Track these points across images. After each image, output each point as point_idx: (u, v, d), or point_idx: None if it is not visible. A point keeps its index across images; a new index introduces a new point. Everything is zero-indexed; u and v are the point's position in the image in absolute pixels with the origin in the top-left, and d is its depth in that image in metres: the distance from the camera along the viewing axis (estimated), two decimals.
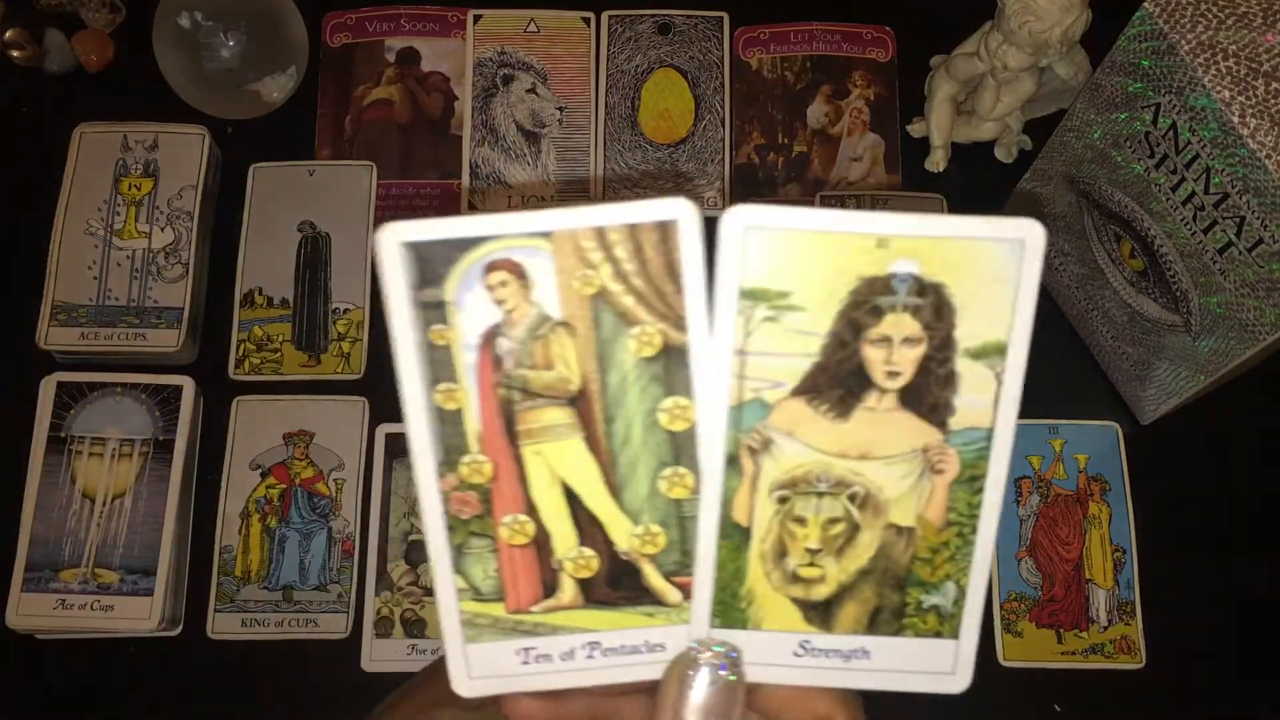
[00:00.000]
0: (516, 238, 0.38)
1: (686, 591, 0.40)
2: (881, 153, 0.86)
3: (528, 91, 0.86)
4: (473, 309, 0.38)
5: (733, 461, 0.39)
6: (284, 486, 0.77)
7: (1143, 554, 0.76)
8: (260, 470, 0.77)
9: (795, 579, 0.40)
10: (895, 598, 0.40)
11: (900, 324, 0.38)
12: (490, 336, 0.39)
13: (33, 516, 0.74)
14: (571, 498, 0.40)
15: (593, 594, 0.40)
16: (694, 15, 0.88)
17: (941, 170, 0.85)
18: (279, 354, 0.80)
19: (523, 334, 0.39)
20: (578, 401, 0.39)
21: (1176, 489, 0.79)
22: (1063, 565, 0.76)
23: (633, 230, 0.38)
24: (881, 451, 0.39)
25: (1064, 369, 0.82)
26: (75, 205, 0.80)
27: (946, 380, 0.38)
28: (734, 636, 0.40)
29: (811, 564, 0.40)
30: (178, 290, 0.79)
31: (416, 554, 0.76)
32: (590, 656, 0.40)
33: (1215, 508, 0.79)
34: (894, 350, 0.38)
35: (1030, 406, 0.79)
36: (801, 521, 0.40)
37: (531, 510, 0.40)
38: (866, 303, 0.38)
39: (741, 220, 0.37)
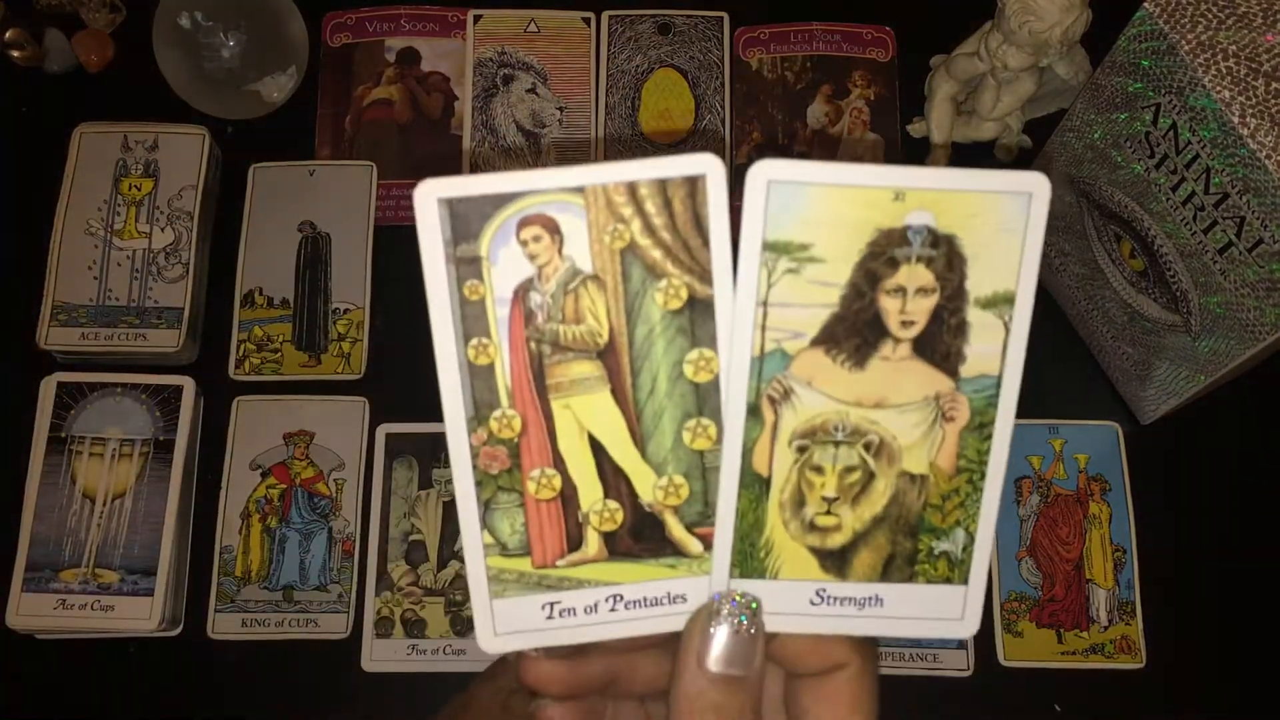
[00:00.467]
0: (551, 193, 0.38)
1: (708, 542, 0.41)
2: (881, 153, 0.86)
3: (528, 91, 0.86)
4: (506, 264, 0.39)
5: (754, 411, 0.40)
6: (284, 486, 0.77)
7: (1143, 554, 0.76)
8: (260, 470, 0.77)
9: (812, 528, 0.41)
10: (908, 545, 0.41)
11: (915, 275, 0.39)
12: (522, 291, 0.39)
13: (33, 516, 0.74)
14: (598, 450, 0.41)
15: (616, 546, 0.41)
16: (694, 15, 0.88)
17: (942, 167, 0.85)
18: (279, 354, 0.80)
19: (554, 288, 0.39)
20: (606, 354, 0.40)
21: (1177, 489, 0.79)
22: (1063, 565, 0.76)
23: (662, 185, 0.39)
24: (896, 400, 0.40)
25: (1064, 369, 0.82)
26: (75, 205, 0.80)
27: (958, 329, 0.40)
28: (753, 586, 0.41)
29: (828, 512, 0.41)
30: (178, 290, 0.79)
31: (417, 554, 0.76)
32: (613, 609, 0.41)
33: (1215, 508, 0.79)
34: (909, 300, 0.39)
35: (1030, 407, 0.79)
36: (819, 470, 0.40)
37: (559, 464, 0.41)
38: (883, 254, 0.39)
39: (766, 174, 0.38)
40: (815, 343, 0.40)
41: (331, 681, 0.74)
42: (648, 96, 0.87)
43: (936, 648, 0.74)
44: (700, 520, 0.41)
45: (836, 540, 0.41)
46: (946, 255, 0.39)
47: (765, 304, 0.39)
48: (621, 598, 0.41)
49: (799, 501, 0.41)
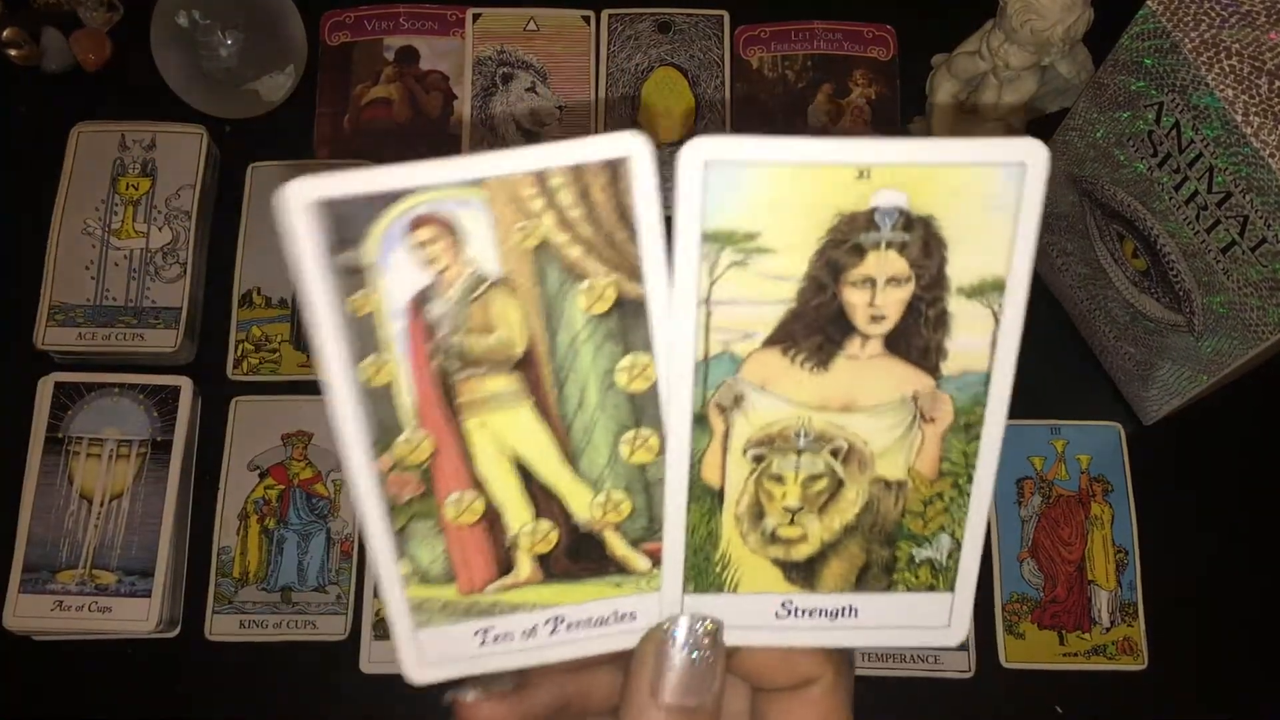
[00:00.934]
0: (444, 188, 0.34)
1: (656, 558, 0.37)
2: None
3: (527, 90, 0.86)
4: (398, 271, 0.34)
5: (700, 420, 0.36)
6: (282, 487, 0.77)
7: (1145, 555, 0.76)
8: (258, 471, 0.77)
9: (774, 539, 0.37)
10: (884, 553, 0.37)
11: (885, 263, 0.35)
12: (420, 301, 0.35)
13: (30, 517, 0.73)
14: (522, 470, 0.37)
15: (553, 568, 0.37)
16: (694, 14, 0.88)
17: None
18: (277, 354, 0.80)
19: (457, 296, 0.35)
20: (523, 366, 0.36)
21: (1179, 490, 0.78)
22: (1065, 566, 0.76)
23: (578, 172, 0.34)
24: (866, 401, 0.36)
25: (1066, 369, 0.82)
26: (73, 205, 0.80)
27: (937, 321, 0.35)
28: (710, 601, 0.37)
29: (792, 523, 0.37)
30: (176, 290, 0.79)
31: None
32: (554, 632, 0.37)
33: (1218, 508, 0.78)
34: (878, 292, 0.35)
35: (1032, 407, 0.80)
36: (779, 480, 0.37)
37: (479, 486, 0.37)
38: (846, 241, 0.34)
39: (701, 154, 0.33)
40: (769, 343, 0.35)
41: (330, 683, 0.74)
42: (648, 95, 0.86)
43: (937, 649, 0.74)
44: (646, 536, 0.37)
45: (803, 551, 0.37)
46: (922, 239, 0.34)
47: (708, 302, 0.35)
48: (563, 619, 0.37)
49: (758, 513, 0.37)
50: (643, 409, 0.36)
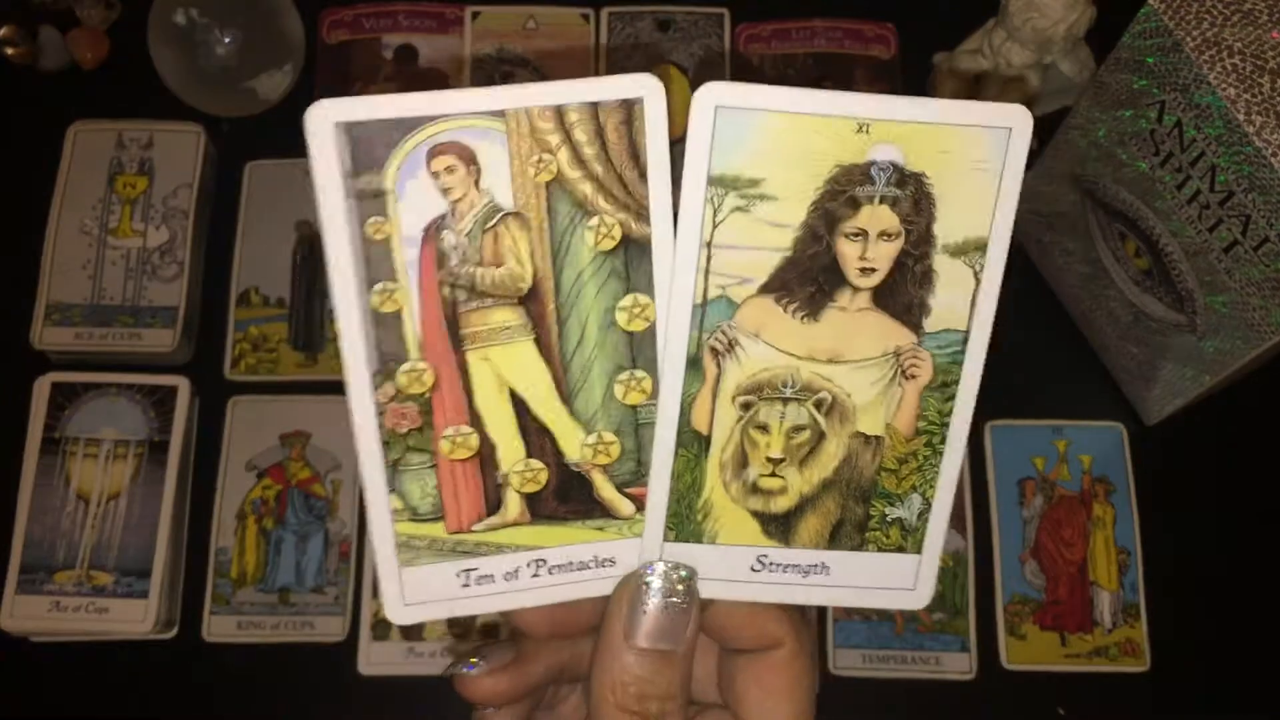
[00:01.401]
0: (466, 118, 0.35)
1: (640, 503, 0.38)
2: None
3: None
4: (415, 199, 0.35)
5: (694, 364, 0.37)
6: (280, 488, 0.76)
7: (1148, 556, 0.76)
8: (256, 471, 0.77)
9: (755, 490, 0.38)
10: (858, 510, 0.39)
11: (877, 217, 0.36)
12: (434, 229, 0.35)
13: (27, 518, 0.73)
14: (519, 406, 0.37)
15: (539, 509, 0.38)
16: (694, 12, 0.87)
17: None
18: (275, 354, 0.79)
19: (470, 226, 0.36)
20: (529, 301, 0.36)
21: (1182, 490, 0.78)
22: (1067, 567, 0.76)
23: (594, 110, 0.35)
24: (852, 354, 0.37)
25: (1068, 369, 0.81)
26: (70, 204, 0.80)
27: (923, 278, 0.37)
28: (689, 551, 0.38)
29: (773, 474, 0.38)
30: (173, 290, 0.79)
31: None
32: (536, 575, 0.38)
33: (1221, 509, 0.78)
34: (869, 245, 0.36)
35: (1034, 407, 0.80)
36: (764, 429, 0.38)
37: (475, 421, 0.37)
38: (843, 192, 0.36)
39: (713, 98, 0.35)
40: (764, 290, 0.37)
41: (328, 684, 0.74)
42: None
43: (939, 650, 0.73)
44: (632, 480, 0.38)
45: (781, 504, 0.38)
46: (913, 195, 0.36)
47: (710, 245, 0.36)
48: (544, 562, 0.38)
49: (741, 462, 0.38)
50: (639, 350, 0.37)
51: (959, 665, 0.74)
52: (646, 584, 0.37)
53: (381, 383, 0.36)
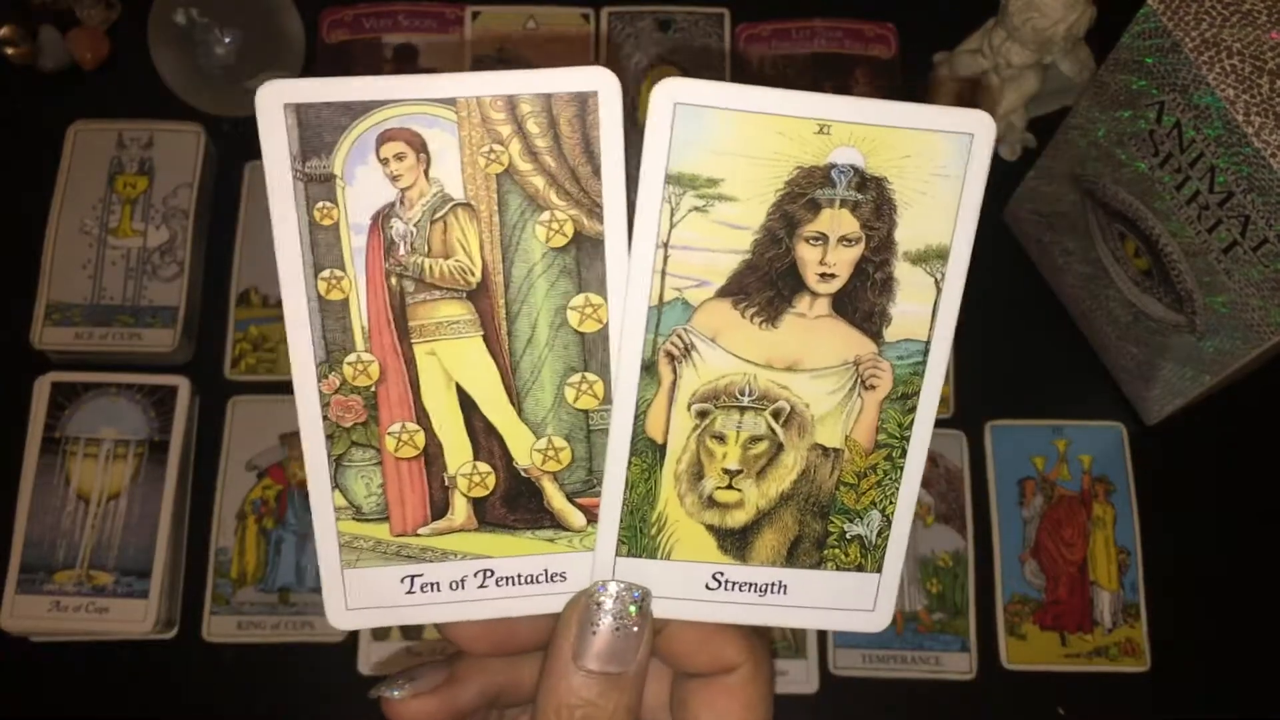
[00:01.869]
0: (416, 104, 0.34)
1: (591, 515, 0.37)
2: None
3: None
4: (364, 185, 0.34)
5: (649, 368, 0.36)
6: (280, 488, 0.76)
7: (1148, 556, 0.76)
8: (256, 471, 0.77)
9: (711, 503, 0.37)
10: (817, 526, 0.38)
11: (838, 221, 0.35)
12: (382, 218, 0.35)
13: (27, 518, 0.73)
14: (467, 405, 0.36)
15: (487, 515, 0.37)
16: (695, 12, 0.87)
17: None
18: (275, 354, 0.79)
19: (419, 215, 0.35)
20: (478, 295, 0.36)
21: (1182, 490, 0.78)
22: (1067, 567, 0.76)
23: (548, 101, 0.34)
24: (811, 362, 0.36)
25: (1068, 369, 0.81)
26: (70, 203, 0.80)
27: (884, 286, 0.36)
28: (642, 567, 0.37)
29: (730, 487, 0.37)
30: (173, 289, 0.79)
31: None
32: (483, 586, 0.37)
33: (1221, 509, 0.78)
34: (830, 250, 0.35)
35: (1034, 407, 0.80)
36: (721, 439, 0.37)
37: (422, 418, 0.36)
38: (803, 195, 0.35)
39: (671, 95, 0.34)
40: (722, 293, 0.36)
41: (328, 684, 0.74)
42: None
43: (939, 650, 0.73)
44: (583, 489, 0.37)
45: (738, 518, 0.37)
46: (874, 200, 0.35)
47: (666, 246, 0.35)
48: (492, 573, 0.37)
49: (697, 473, 0.37)
50: (591, 352, 0.36)
51: (959, 665, 0.73)
52: (598, 604, 0.36)
53: (327, 373, 0.36)
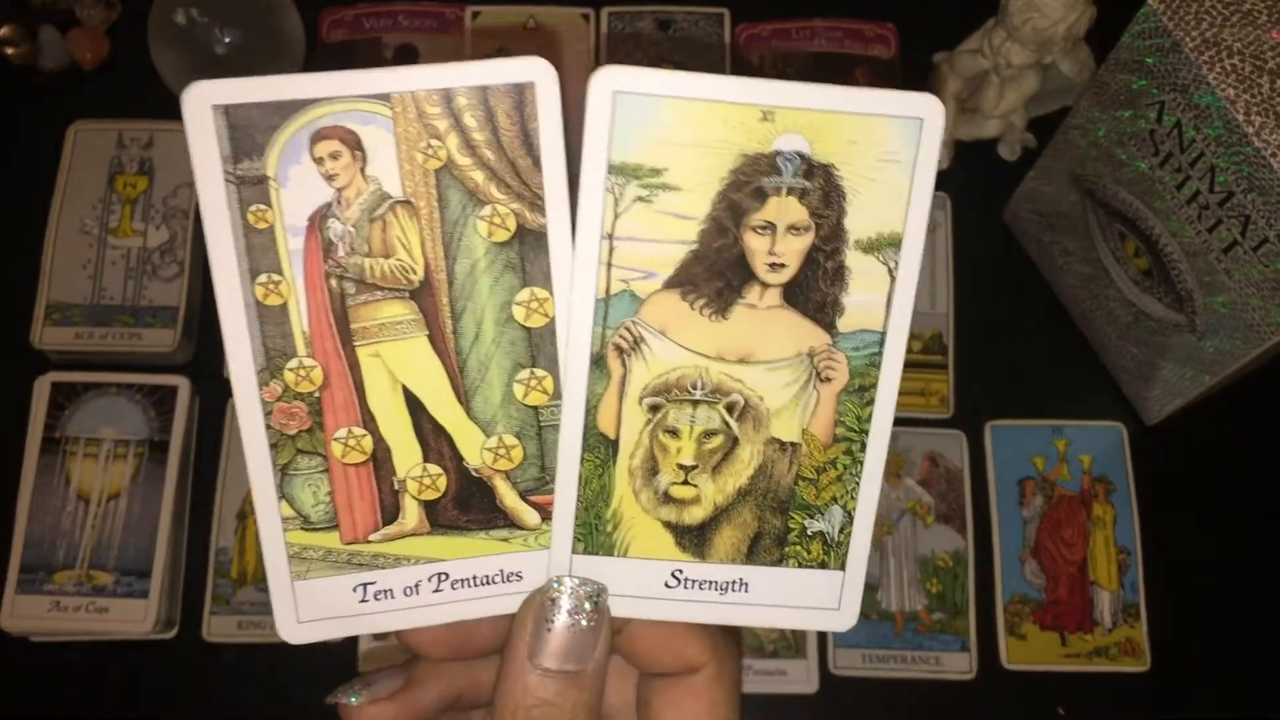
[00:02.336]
0: (349, 101, 0.33)
1: (545, 512, 0.36)
2: None
3: None
4: (298, 186, 0.33)
5: (598, 362, 0.35)
6: None
7: (1148, 556, 0.76)
8: None
9: (667, 499, 0.36)
10: (777, 522, 0.37)
11: (785, 209, 0.35)
12: (319, 218, 0.34)
13: (27, 518, 0.73)
14: (414, 406, 0.36)
15: (439, 518, 0.36)
16: (695, 11, 0.87)
17: (945, 168, 0.84)
18: None
19: (357, 215, 0.34)
20: (421, 294, 0.35)
21: (1182, 490, 0.78)
22: (1067, 567, 0.76)
23: (484, 94, 0.34)
24: (763, 354, 0.36)
25: (1068, 369, 0.81)
26: (70, 203, 0.80)
27: (835, 275, 0.35)
28: (599, 565, 0.36)
29: (685, 482, 0.36)
30: (173, 289, 0.78)
31: None
32: (438, 590, 0.36)
33: (1221, 509, 0.78)
34: (778, 239, 0.35)
35: (1034, 407, 0.80)
36: (675, 433, 0.36)
37: (369, 422, 0.35)
38: (749, 183, 0.34)
39: (610, 83, 0.33)
40: (670, 284, 0.35)
41: (327, 684, 0.74)
42: None
43: (939, 650, 0.73)
44: (536, 487, 0.36)
45: (695, 515, 0.37)
46: (822, 188, 0.34)
47: (611, 237, 0.34)
48: (447, 576, 0.36)
49: (651, 469, 0.36)
50: (539, 347, 0.36)
51: (959, 665, 0.73)
52: (552, 600, 0.35)
53: (268, 380, 0.35)
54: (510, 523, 0.37)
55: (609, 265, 0.35)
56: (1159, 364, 0.74)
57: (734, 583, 0.37)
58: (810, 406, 0.36)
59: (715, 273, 0.35)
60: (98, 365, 0.77)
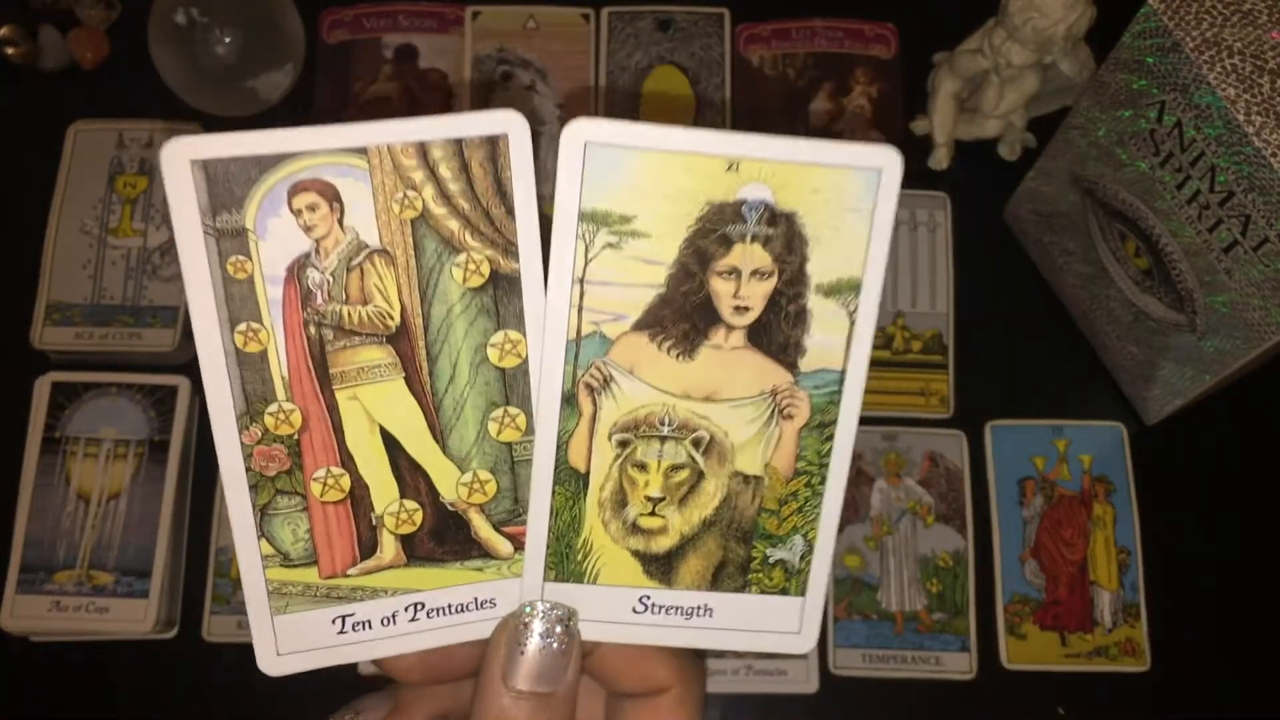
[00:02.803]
0: (327, 155, 0.34)
1: (518, 542, 0.38)
2: None
3: (527, 89, 0.86)
4: (277, 237, 0.34)
5: (569, 401, 0.37)
6: None
7: (1148, 556, 0.76)
8: None
9: (635, 530, 0.38)
10: (740, 551, 0.38)
11: (750, 255, 0.36)
12: (297, 268, 0.35)
13: (27, 518, 0.73)
14: (391, 445, 0.37)
15: (416, 550, 0.37)
16: (695, 11, 0.87)
17: (945, 168, 0.85)
18: None
19: (335, 264, 0.35)
20: (398, 339, 0.36)
21: (1182, 490, 0.78)
22: (1067, 567, 0.76)
23: (459, 146, 0.35)
24: (728, 393, 0.37)
25: (1068, 369, 0.81)
26: (70, 203, 0.80)
27: (797, 318, 0.37)
28: (570, 591, 0.38)
29: (653, 513, 0.38)
30: (173, 289, 0.78)
31: None
32: (414, 619, 0.38)
33: (1221, 509, 0.78)
34: (743, 283, 0.36)
35: (1034, 407, 0.80)
36: (643, 468, 0.38)
37: (347, 462, 0.37)
38: (715, 230, 0.36)
39: (581, 135, 0.35)
40: (638, 326, 0.37)
41: (328, 684, 0.74)
42: (648, 93, 0.86)
43: (939, 650, 0.73)
44: (510, 519, 0.38)
45: (662, 544, 0.38)
46: (785, 235, 0.36)
47: (582, 281, 0.36)
48: (423, 606, 0.37)
49: (620, 501, 0.38)
50: (512, 386, 0.37)
51: (959, 665, 0.73)
52: (525, 624, 0.37)
53: (248, 424, 0.36)
54: (485, 553, 0.38)
55: (580, 308, 0.36)
56: (1159, 364, 0.74)
57: (699, 608, 0.39)
58: (773, 442, 0.38)
59: (682, 315, 0.37)
60: (98, 365, 0.77)
